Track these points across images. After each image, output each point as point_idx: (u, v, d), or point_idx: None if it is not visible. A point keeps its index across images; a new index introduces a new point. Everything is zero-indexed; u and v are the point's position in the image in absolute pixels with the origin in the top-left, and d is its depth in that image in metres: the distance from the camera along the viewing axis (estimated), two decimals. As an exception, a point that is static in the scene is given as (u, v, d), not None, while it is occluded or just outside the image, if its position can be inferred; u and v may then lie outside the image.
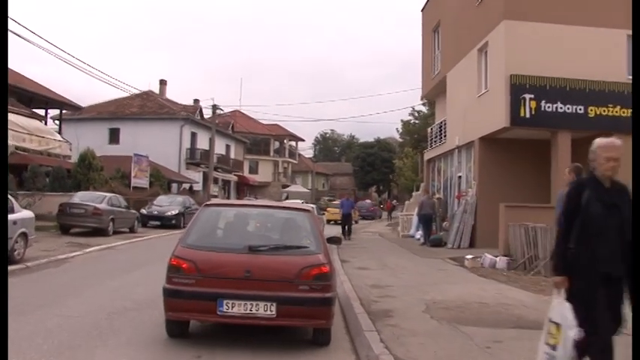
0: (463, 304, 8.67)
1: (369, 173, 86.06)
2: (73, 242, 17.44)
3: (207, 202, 8.20)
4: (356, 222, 47.55)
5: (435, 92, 27.28)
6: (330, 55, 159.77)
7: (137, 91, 41.75)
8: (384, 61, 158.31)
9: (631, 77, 16.42)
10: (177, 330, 6.51)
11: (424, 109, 61.94)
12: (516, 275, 12.77)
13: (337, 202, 42.38)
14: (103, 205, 20.85)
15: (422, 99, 59.86)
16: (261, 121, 72.38)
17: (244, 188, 60.10)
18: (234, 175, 55.26)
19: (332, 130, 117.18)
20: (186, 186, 43.24)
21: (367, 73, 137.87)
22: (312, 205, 32.36)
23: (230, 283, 6.06)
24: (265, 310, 6.00)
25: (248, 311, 6.01)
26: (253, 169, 69.43)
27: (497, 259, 14.78)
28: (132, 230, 23.21)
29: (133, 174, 30.76)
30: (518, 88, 16.90)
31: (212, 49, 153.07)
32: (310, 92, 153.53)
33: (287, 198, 57.28)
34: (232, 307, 6.00)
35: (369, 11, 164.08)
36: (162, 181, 35.01)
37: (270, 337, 6.72)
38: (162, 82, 50.66)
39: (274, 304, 6.00)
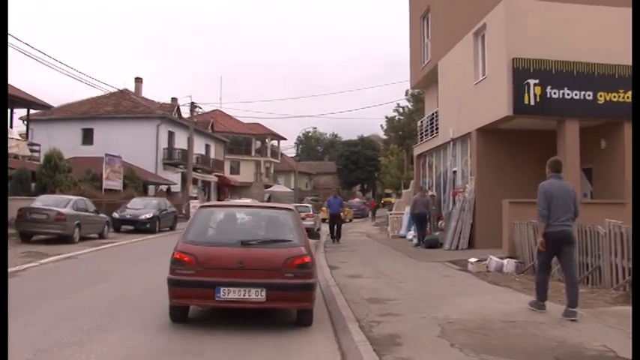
0: (485, 324, 7.07)
1: (353, 172, 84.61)
2: (30, 252, 15.63)
3: (203, 204, 9.42)
4: (350, 220, 46.48)
5: (424, 83, 25.77)
6: (312, 56, 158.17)
7: (113, 89, 40.08)
8: (365, 62, 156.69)
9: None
10: (180, 315, 7.33)
11: (409, 104, 60.93)
12: (530, 280, 11.22)
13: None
14: (67, 210, 19.03)
15: (406, 94, 59.56)
16: (241, 120, 70.98)
17: (225, 189, 58.20)
18: (215, 175, 53.39)
19: (314, 127, 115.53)
20: (164, 188, 41.33)
21: (348, 74, 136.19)
22: (308, 205, 33.20)
23: (226, 272, 6.94)
24: (257, 295, 6.89)
25: (242, 296, 6.90)
26: (235, 170, 67.63)
27: (505, 261, 13.27)
28: (101, 236, 21.43)
29: (104, 175, 28.89)
30: (521, 72, 15.38)
31: (194, 52, 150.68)
32: (292, 94, 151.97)
33: (270, 198, 55.58)
34: (228, 294, 6.87)
35: (351, 13, 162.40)
36: (137, 182, 33.12)
37: (261, 319, 7.53)
38: (138, 80, 48.58)
39: (264, 289, 6.89)
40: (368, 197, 77.12)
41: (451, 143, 20.12)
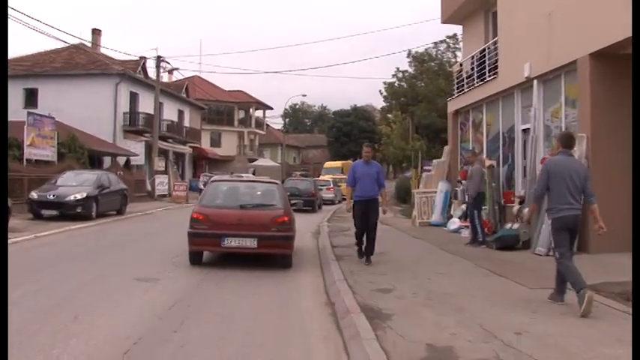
0: None
1: (345, 145, 77.14)
2: None
3: (213, 179, 12.79)
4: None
5: (463, 12, 18.53)
6: (296, 30, 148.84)
7: (73, 41, 32.70)
8: (348, 35, 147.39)
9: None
10: (197, 259, 9.91)
11: (410, 69, 54.16)
12: None
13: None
14: None
15: (408, 55, 52.55)
16: (224, 87, 63.69)
17: (202, 162, 50.73)
18: (190, 146, 45.80)
19: (303, 95, 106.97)
20: (122, 160, 33.93)
21: (329, 49, 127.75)
22: (329, 179, 36.21)
23: (229, 227, 9.49)
24: (251, 243, 9.46)
25: (240, 244, 9.48)
26: (216, 142, 60.29)
27: None
28: (-3, 228, 14.18)
29: (27, 142, 21.50)
30: None
31: (171, 25, 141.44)
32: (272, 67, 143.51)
33: (254, 173, 48.51)
34: (230, 242, 9.46)
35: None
36: (79, 152, 25.64)
37: (255, 262, 9.96)
38: (96, 32, 40.33)
39: (256, 239, 9.46)
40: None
41: (535, 84, 12.78)
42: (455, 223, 15.47)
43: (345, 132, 76.92)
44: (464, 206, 15.68)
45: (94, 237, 14.42)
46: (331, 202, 32.66)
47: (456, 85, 18.93)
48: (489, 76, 15.66)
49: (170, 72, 50.30)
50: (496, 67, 15.25)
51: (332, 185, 35.65)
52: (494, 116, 15.93)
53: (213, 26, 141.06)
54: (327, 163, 62.43)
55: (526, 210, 9.13)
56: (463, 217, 15.44)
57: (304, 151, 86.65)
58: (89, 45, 38.60)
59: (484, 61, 16.08)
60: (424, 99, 49.50)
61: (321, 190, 31.45)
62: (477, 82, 16.68)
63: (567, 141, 7.10)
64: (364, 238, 10.25)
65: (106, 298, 7.22)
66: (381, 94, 55.82)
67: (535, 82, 12.50)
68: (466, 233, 14.01)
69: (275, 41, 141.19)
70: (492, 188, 13.90)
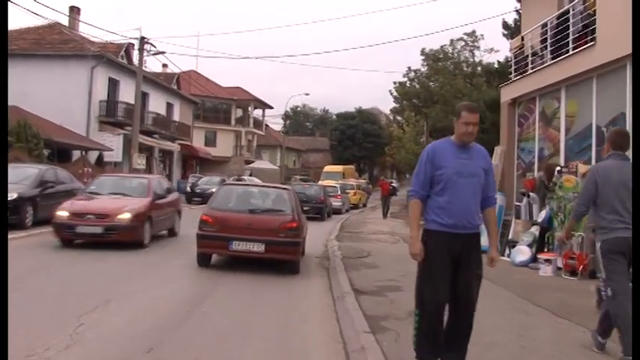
0: None
1: (349, 149, 72.48)
2: None
3: (225, 182, 14.27)
4: (364, 205, 35.98)
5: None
6: (296, 35, 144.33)
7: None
8: (348, 42, 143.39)
9: None
10: (204, 261, 9.95)
11: (423, 68, 50.17)
12: None
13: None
14: None
15: (422, 53, 48.43)
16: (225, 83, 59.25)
17: (192, 162, 45.99)
18: (179, 144, 41.09)
19: (306, 94, 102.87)
20: (94, 155, 29.26)
21: (327, 55, 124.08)
22: (336, 186, 32.75)
23: (237, 230, 9.51)
24: (258, 248, 9.46)
25: (247, 248, 9.51)
26: (211, 141, 55.66)
27: None
28: None
29: (-47, 125, 16.93)
30: None
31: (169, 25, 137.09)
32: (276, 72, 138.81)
33: (251, 176, 44.09)
34: (238, 246, 9.48)
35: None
36: (32, 142, 20.96)
37: (262, 267, 9.77)
38: (74, 10, 35.70)
39: (263, 244, 9.44)
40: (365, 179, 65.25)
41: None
42: (523, 253, 10.85)
43: (349, 135, 72.22)
44: (534, 229, 11.16)
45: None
46: (338, 211, 28.58)
47: (514, 67, 14.39)
48: (574, 49, 11.12)
49: (164, 65, 46.40)
50: (586, 35, 10.73)
51: (339, 192, 31.42)
52: (581, 103, 11.37)
53: (211, 23, 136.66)
54: (327, 167, 57.88)
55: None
56: (535, 245, 10.88)
57: (305, 154, 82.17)
58: (67, 26, 34.08)
59: (566, 28, 11.54)
60: (439, 100, 45.36)
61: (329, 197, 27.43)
62: (551, 59, 12.16)
63: (620, 140, 5.40)
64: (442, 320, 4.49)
65: None
66: (391, 94, 51.57)
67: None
68: (548, 270, 9.50)
69: (274, 46, 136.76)
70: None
